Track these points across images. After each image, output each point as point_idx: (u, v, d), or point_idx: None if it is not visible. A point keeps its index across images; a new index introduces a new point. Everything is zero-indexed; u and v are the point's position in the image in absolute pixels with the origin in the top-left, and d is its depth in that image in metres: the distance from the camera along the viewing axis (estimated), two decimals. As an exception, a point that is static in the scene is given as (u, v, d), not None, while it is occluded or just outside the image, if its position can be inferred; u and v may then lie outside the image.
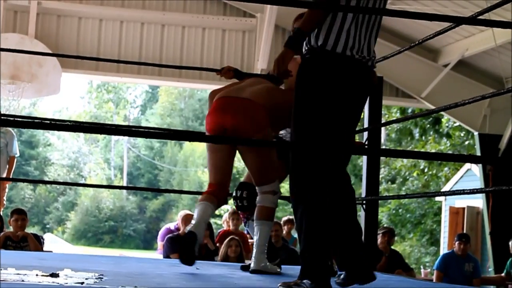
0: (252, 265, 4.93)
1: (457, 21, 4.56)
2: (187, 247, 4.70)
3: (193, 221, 4.78)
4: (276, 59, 3.80)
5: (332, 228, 3.87)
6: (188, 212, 10.12)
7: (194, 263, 4.72)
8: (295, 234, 13.31)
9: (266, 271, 4.87)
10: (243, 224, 5.53)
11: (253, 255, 4.94)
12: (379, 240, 9.44)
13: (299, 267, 3.81)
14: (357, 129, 4.70)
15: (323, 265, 3.71)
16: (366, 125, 6.15)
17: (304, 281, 3.71)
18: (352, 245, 4.08)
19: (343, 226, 4.02)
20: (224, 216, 10.70)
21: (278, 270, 5.00)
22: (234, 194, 5.31)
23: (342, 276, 4.13)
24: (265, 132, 4.83)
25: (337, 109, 3.79)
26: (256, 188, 5.00)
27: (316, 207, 3.73)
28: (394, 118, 19.68)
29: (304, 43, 3.88)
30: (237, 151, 5.04)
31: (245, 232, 10.94)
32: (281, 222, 10.44)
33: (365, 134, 6.18)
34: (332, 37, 3.77)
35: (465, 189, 4.89)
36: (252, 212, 5.17)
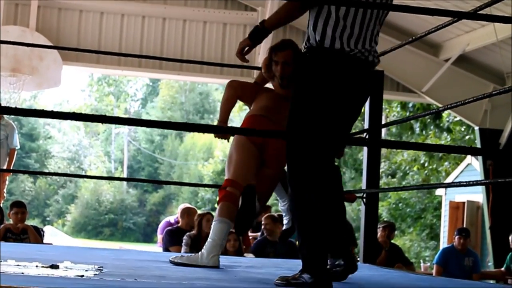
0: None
1: (458, 16, 4.55)
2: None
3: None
4: (238, 49, 4.28)
5: (329, 222, 3.86)
6: (188, 205, 10.14)
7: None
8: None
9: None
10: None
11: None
12: (379, 234, 9.44)
13: (297, 260, 3.81)
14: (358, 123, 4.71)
15: (321, 259, 3.69)
16: (367, 118, 6.15)
17: (303, 275, 3.69)
18: (343, 237, 4.11)
19: (335, 219, 4.02)
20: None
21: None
22: None
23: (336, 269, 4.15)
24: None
25: (335, 106, 3.76)
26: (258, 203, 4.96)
27: (313, 201, 3.72)
28: (395, 114, 19.71)
29: (304, 40, 3.88)
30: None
31: None
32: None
33: (366, 125, 6.18)
34: (329, 33, 3.74)
35: (466, 181, 4.89)
36: None
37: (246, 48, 4.22)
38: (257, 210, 5.01)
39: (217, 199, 4.92)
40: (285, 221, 5.34)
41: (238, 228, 4.77)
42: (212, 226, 4.78)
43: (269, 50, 5.08)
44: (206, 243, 4.72)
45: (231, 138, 5.15)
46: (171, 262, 4.78)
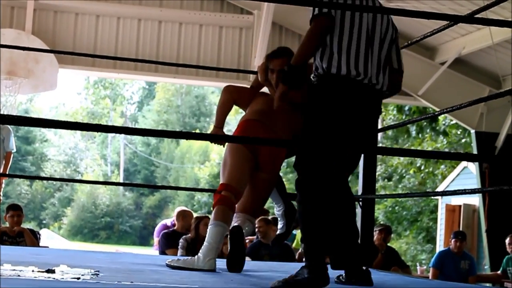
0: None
1: (454, 19, 4.56)
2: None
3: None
4: (276, 96, 4.15)
5: (332, 226, 4.00)
6: (184, 208, 10.12)
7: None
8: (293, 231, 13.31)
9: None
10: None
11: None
12: (375, 237, 9.44)
13: (293, 263, 3.87)
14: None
15: (319, 254, 3.82)
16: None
17: (304, 270, 3.82)
18: (351, 246, 4.16)
19: (343, 226, 4.09)
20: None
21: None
22: None
23: (342, 276, 4.19)
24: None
25: (344, 130, 3.94)
26: (247, 216, 5.01)
27: (319, 202, 3.89)
28: (391, 117, 19.72)
29: (313, 68, 4.05)
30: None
31: None
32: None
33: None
34: (335, 60, 3.92)
35: (463, 189, 4.89)
36: None
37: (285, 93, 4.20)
38: (250, 231, 5.07)
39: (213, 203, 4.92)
40: (279, 226, 5.35)
41: (232, 268, 4.72)
42: (208, 229, 4.78)
43: (265, 58, 5.13)
44: (203, 247, 4.72)
45: (227, 143, 5.16)
46: (167, 265, 4.78)
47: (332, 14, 3.92)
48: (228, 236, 4.80)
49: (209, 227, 4.77)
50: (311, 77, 4.08)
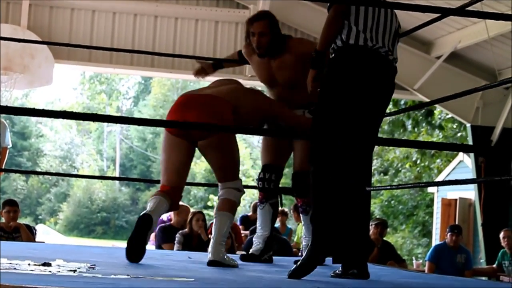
0: (209, 256, 4.70)
1: (449, 12, 4.57)
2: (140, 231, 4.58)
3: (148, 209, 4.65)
4: (308, 80, 4.21)
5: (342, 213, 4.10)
6: (180, 203, 10.13)
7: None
8: (290, 226, 13.36)
9: (223, 263, 4.63)
10: (258, 206, 5.48)
11: (211, 245, 4.72)
12: (371, 232, 9.46)
13: (290, 258, 3.88)
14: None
15: (322, 235, 3.98)
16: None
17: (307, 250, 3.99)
18: (355, 237, 4.19)
19: (353, 215, 4.19)
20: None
21: (236, 263, 4.73)
22: (259, 176, 5.35)
23: (338, 270, 4.20)
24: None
25: (364, 102, 4.06)
26: (219, 184, 4.87)
27: (332, 182, 4.02)
28: (387, 111, 19.73)
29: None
30: (195, 149, 4.87)
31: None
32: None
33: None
34: (353, 32, 4.07)
35: (456, 179, 4.89)
36: (271, 195, 5.30)
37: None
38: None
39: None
40: (255, 246, 5.38)
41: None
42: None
43: (246, 23, 5.23)
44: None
45: None
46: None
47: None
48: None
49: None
50: (330, 51, 4.18)
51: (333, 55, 4.15)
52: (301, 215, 5.47)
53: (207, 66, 5.61)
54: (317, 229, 4.02)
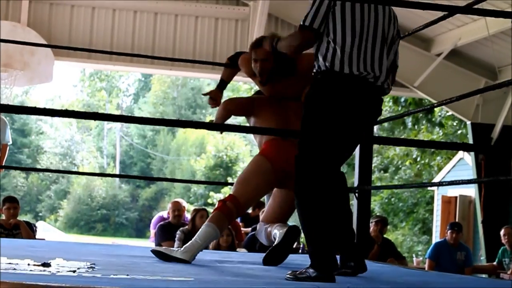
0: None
1: (450, 10, 4.55)
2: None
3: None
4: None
5: (333, 221, 4.02)
6: (177, 200, 10.12)
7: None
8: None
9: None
10: None
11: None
12: (371, 229, 9.45)
13: (292, 255, 3.86)
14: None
15: (325, 255, 3.83)
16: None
17: (309, 270, 3.82)
18: (352, 240, 4.20)
19: (339, 216, 4.19)
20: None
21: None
22: None
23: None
24: None
25: (344, 127, 3.97)
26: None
27: (317, 201, 3.88)
28: (387, 108, 19.72)
29: (315, 63, 4.07)
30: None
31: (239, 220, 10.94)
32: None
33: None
34: (338, 58, 3.94)
35: (456, 180, 4.89)
36: None
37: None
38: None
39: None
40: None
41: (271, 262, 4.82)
42: (201, 228, 4.80)
43: (249, 49, 5.16)
44: (189, 242, 4.73)
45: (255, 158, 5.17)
46: (151, 250, 4.85)
47: (320, 31, 3.96)
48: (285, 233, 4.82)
49: (202, 226, 4.79)
50: (314, 72, 4.08)
51: (318, 76, 4.03)
52: None
53: (214, 93, 5.52)
54: (315, 251, 3.89)
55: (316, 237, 3.86)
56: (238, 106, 5.31)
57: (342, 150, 4.04)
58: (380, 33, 4.05)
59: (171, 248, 4.79)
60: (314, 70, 4.06)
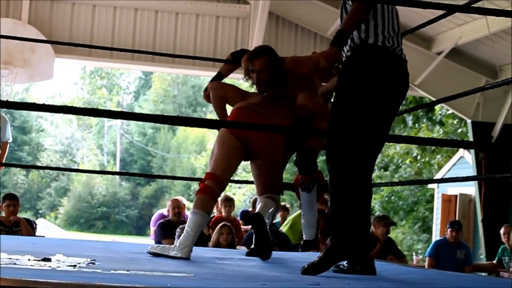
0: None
1: (451, 9, 4.56)
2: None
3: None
4: (322, 55, 4.02)
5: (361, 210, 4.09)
6: (177, 197, 10.12)
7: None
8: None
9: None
10: (300, 190, 5.48)
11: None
12: (380, 229, 9.49)
13: (289, 253, 3.86)
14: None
15: (345, 237, 3.98)
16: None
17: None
18: (365, 243, 4.23)
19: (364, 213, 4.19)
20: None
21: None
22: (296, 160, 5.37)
23: (343, 264, 4.19)
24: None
25: (380, 101, 4.02)
26: (265, 198, 5.08)
27: (350, 184, 4.00)
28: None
29: (347, 43, 4.11)
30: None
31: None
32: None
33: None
34: (371, 32, 4.03)
35: (457, 177, 4.90)
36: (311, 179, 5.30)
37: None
38: (274, 211, 5.16)
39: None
40: (308, 234, 5.42)
41: (262, 256, 4.88)
42: (189, 217, 4.81)
43: (246, 59, 5.19)
44: (182, 235, 4.75)
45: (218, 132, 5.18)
46: (148, 252, 4.83)
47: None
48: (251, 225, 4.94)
49: (190, 215, 4.81)
50: (345, 49, 4.13)
51: (350, 53, 4.09)
52: (301, 192, 5.43)
53: (209, 86, 5.60)
54: (338, 230, 3.99)
55: (342, 217, 3.98)
56: (223, 86, 5.49)
57: (377, 123, 4.05)
58: (398, 21, 4.17)
59: (167, 246, 4.78)
60: (347, 47, 4.12)
